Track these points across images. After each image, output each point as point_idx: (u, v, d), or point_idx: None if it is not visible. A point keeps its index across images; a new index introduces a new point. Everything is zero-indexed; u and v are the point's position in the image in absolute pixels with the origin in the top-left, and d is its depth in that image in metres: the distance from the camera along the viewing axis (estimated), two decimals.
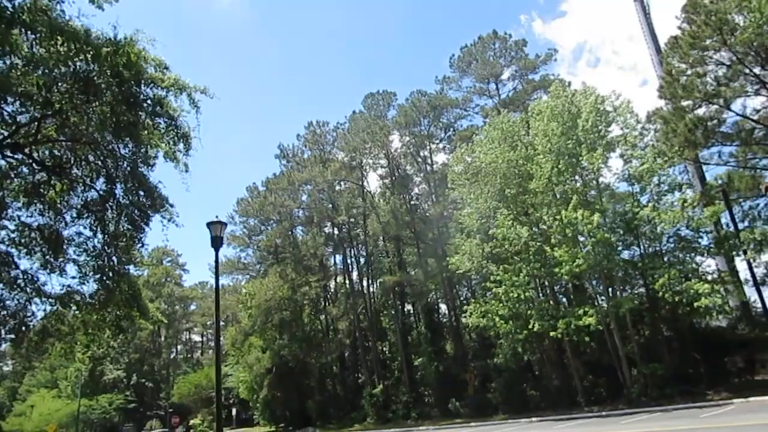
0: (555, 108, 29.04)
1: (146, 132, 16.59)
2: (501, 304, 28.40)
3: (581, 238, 27.48)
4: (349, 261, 48.70)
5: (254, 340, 50.76)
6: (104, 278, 17.69)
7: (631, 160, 27.74)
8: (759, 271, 27.30)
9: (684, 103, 27.03)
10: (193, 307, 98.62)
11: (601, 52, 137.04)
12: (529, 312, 27.32)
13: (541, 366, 34.83)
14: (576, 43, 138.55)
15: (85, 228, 17.90)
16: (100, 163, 16.91)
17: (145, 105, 16.00)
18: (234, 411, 69.07)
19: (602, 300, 28.30)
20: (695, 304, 23.39)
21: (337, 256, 52.85)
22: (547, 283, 30.86)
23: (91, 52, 12.87)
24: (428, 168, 42.99)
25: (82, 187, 17.45)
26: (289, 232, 50.35)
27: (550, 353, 31.92)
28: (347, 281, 47.80)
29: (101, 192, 17.30)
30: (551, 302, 29.34)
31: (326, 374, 48.92)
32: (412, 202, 42.58)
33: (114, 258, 17.72)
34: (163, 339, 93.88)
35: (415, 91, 42.05)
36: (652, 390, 25.54)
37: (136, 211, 17.34)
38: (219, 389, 12.17)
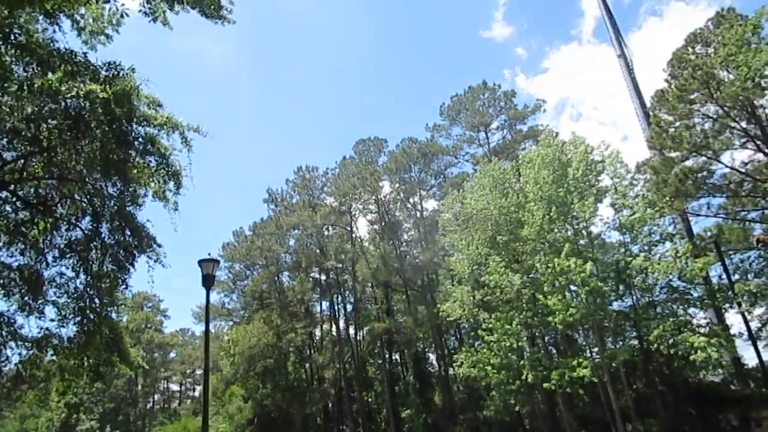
0: (546, 156, 29.17)
1: (136, 171, 16.26)
2: (493, 354, 27.75)
3: (573, 288, 27.19)
4: (336, 308, 47.87)
5: (235, 389, 49.11)
6: (85, 321, 16.92)
7: (622, 210, 27.78)
8: (753, 326, 27.12)
9: (673, 155, 27.42)
10: (172, 355, 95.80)
11: (583, 107, 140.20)
12: (521, 362, 26.67)
13: (533, 419, 33.88)
14: (558, 98, 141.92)
15: (67, 268, 17.23)
16: (86, 201, 16.46)
17: (135, 143, 15.73)
18: None
19: (595, 351, 27.77)
20: (691, 358, 22.97)
21: (323, 302, 51.98)
22: (538, 333, 30.29)
23: (89, 77, 12.63)
24: (418, 214, 42.91)
25: (67, 226, 16.92)
26: (276, 278, 49.48)
27: (542, 406, 31.06)
28: (334, 328, 46.80)
29: (86, 231, 16.77)
30: (543, 352, 28.71)
31: (310, 425, 47.15)
32: (402, 248, 42.21)
33: (96, 300, 17.01)
34: (140, 388, 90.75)
35: (406, 138, 42.54)
36: None
37: (121, 252, 16.78)
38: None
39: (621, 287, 27.97)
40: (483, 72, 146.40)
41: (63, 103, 14.28)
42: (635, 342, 28.45)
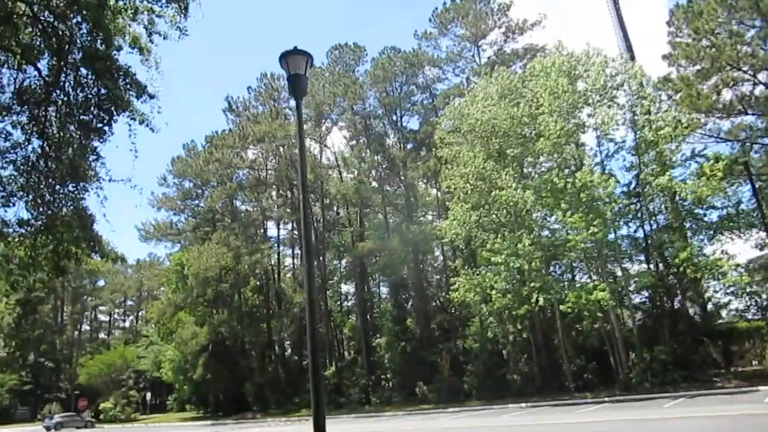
0: (561, 65, 26.34)
1: None
2: (497, 277, 25.38)
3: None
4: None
5: (183, 316, 44.82)
6: (38, 200, 12.69)
7: (645, 127, 25.48)
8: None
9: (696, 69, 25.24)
10: (101, 283, 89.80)
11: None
12: (531, 284, 24.34)
13: (515, 349, 32.22)
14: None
15: (14, 128, 12.81)
16: (50, 30, 11.90)
17: None
18: (148, 396, 62.45)
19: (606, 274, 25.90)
20: (721, 282, 21.47)
21: (281, 226, 47.94)
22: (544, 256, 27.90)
23: None
24: (400, 132, 38.95)
25: (16, 67, 12.38)
26: (233, 197, 44.84)
27: (537, 334, 29.13)
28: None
29: (45, 77, 12.30)
30: (552, 276, 26.54)
31: (268, 354, 44.13)
32: (384, 166, 38.37)
33: (56, 173, 12.71)
34: (67, 315, 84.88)
35: (389, 47, 37.91)
36: (654, 375, 23.37)
37: (92, 109, 12.46)
38: (314, 324, 7.91)
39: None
40: None
41: None
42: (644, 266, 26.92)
